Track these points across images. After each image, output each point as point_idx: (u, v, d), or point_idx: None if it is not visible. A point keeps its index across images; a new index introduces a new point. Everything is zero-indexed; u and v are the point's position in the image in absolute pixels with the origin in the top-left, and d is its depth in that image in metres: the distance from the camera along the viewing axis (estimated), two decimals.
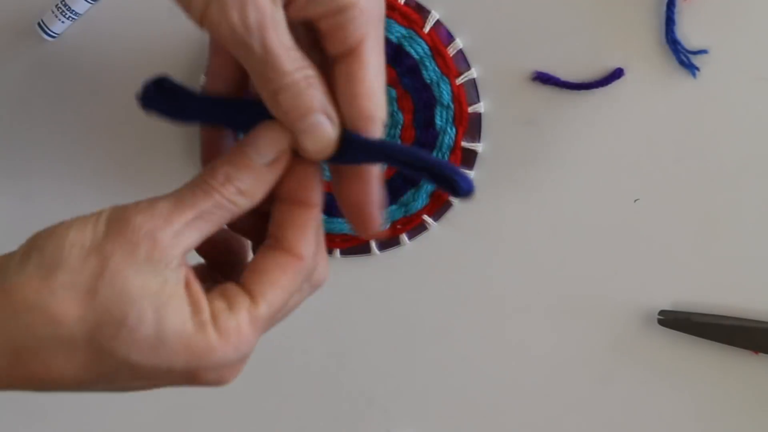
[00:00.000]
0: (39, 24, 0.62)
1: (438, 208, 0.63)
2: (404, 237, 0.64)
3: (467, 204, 0.63)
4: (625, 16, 0.60)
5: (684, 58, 0.60)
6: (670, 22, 0.59)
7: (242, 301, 0.41)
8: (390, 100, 0.62)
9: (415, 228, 0.63)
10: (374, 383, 0.66)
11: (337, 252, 0.64)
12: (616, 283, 0.63)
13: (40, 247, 0.40)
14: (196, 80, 0.62)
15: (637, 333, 0.63)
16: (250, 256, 0.46)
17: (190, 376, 0.41)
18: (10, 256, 0.41)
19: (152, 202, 0.41)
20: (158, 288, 0.40)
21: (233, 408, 0.67)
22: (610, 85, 0.61)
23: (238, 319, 0.41)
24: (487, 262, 0.64)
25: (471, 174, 0.62)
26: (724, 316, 0.62)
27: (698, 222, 0.62)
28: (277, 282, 0.42)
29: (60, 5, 0.61)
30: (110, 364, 0.40)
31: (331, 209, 0.63)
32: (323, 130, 0.42)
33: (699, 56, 0.60)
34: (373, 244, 0.64)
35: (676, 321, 0.62)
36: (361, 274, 0.64)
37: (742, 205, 0.62)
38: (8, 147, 0.65)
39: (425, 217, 0.63)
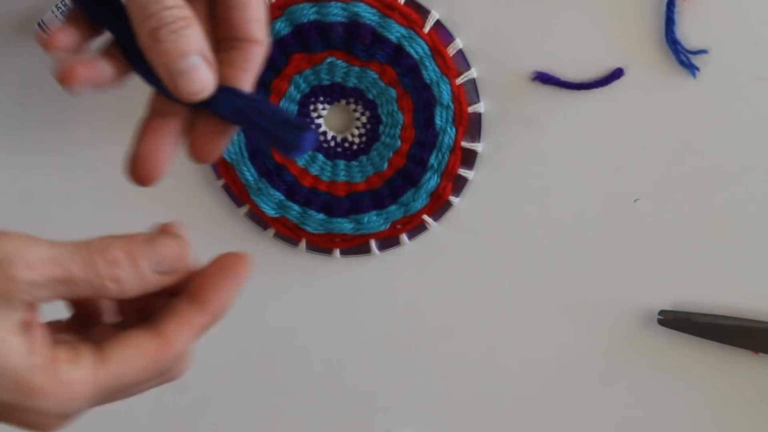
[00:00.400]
0: (39, 24, 0.62)
1: (438, 208, 0.63)
2: (404, 237, 0.64)
3: (467, 204, 0.63)
4: (625, 16, 0.60)
5: (684, 58, 0.60)
6: (670, 22, 0.59)
7: (89, 360, 0.40)
8: (390, 100, 0.62)
9: (415, 228, 0.63)
10: (374, 383, 0.66)
11: (337, 252, 0.64)
12: (616, 283, 0.63)
13: None
14: None
15: (637, 333, 0.63)
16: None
17: (7, 410, 0.39)
18: None
19: (29, 242, 0.39)
20: (6, 327, 0.38)
21: (233, 408, 0.67)
22: (610, 85, 0.61)
23: (76, 373, 0.39)
24: (487, 262, 0.64)
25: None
26: (724, 316, 0.62)
27: (698, 222, 0.62)
28: (133, 358, 0.40)
29: (60, 5, 0.61)
30: None
31: (331, 209, 0.63)
32: (201, 72, 0.42)
33: (699, 56, 0.60)
34: (373, 244, 0.64)
35: (676, 321, 0.62)
36: (361, 274, 0.64)
37: (742, 205, 0.62)
38: (8, 147, 0.65)
39: (425, 217, 0.63)
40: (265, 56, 0.44)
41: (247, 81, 0.44)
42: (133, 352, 0.40)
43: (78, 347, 0.40)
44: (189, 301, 0.41)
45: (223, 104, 0.43)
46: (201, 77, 0.42)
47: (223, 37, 0.44)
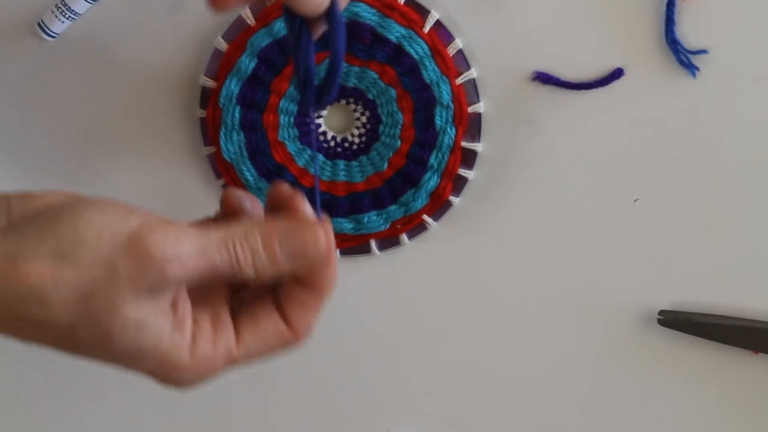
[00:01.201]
0: (39, 24, 0.62)
1: (438, 208, 0.63)
2: (404, 237, 0.64)
3: (467, 204, 0.63)
4: (625, 16, 0.60)
5: (684, 58, 0.60)
6: (670, 22, 0.59)
7: (227, 337, 0.45)
8: (390, 100, 0.62)
9: (415, 228, 0.63)
10: (374, 383, 0.66)
11: (337, 252, 0.64)
12: (616, 283, 0.63)
13: (58, 231, 0.42)
14: (195, 80, 0.62)
15: (637, 333, 0.63)
16: None
17: (154, 375, 0.44)
18: (28, 222, 0.42)
19: (181, 237, 0.42)
20: (148, 307, 0.42)
21: (233, 408, 0.67)
22: (610, 85, 0.61)
23: (216, 351, 0.44)
24: (487, 262, 0.64)
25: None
26: (724, 316, 0.62)
27: (698, 222, 0.62)
28: (266, 341, 0.45)
29: (60, 5, 0.61)
30: (86, 353, 0.43)
31: (331, 209, 0.63)
32: None
33: (699, 56, 0.60)
34: (373, 244, 0.64)
35: (676, 321, 0.62)
36: (361, 274, 0.64)
37: (742, 206, 0.62)
38: (8, 146, 0.65)
39: (425, 217, 0.63)
40: None
41: None
42: (266, 337, 0.45)
43: (218, 318, 0.45)
44: (308, 290, 0.46)
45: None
46: None
47: None
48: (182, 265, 0.42)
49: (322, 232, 0.45)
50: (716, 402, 0.64)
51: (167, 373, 0.44)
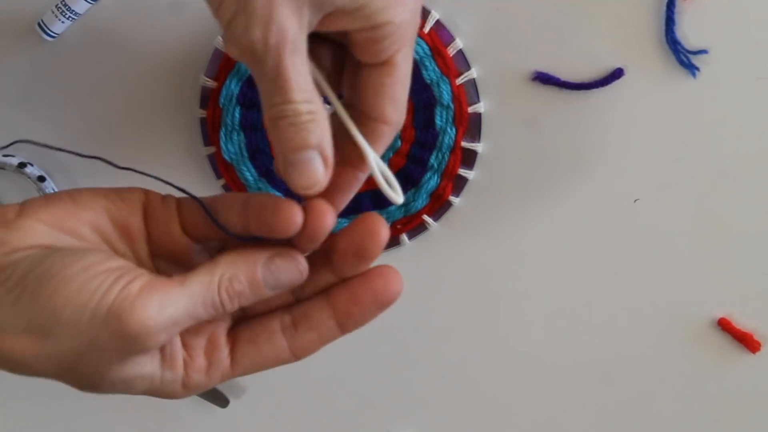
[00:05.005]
0: (39, 24, 0.62)
1: (438, 208, 0.63)
2: (404, 237, 0.64)
3: (467, 204, 0.63)
4: (625, 16, 0.60)
5: (684, 58, 0.60)
6: (670, 22, 0.59)
7: (221, 367, 0.44)
8: None
9: (415, 228, 0.63)
10: (374, 383, 0.66)
11: None
12: (616, 283, 0.63)
13: (38, 307, 0.40)
14: (195, 80, 0.62)
15: (637, 332, 0.64)
16: None
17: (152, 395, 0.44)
18: (7, 290, 0.41)
19: (162, 305, 0.40)
20: (133, 364, 0.42)
21: (233, 408, 0.67)
22: (610, 85, 0.61)
23: (210, 381, 0.44)
24: (487, 262, 0.64)
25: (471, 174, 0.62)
26: None
27: (698, 222, 0.62)
28: (263, 364, 0.45)
29: (60, 5, 0.61)
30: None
31: None
32: (313, 167, 0.42)
33: (699, 56, 0.60)
34: None
35: None
36: None
37: (742, 206, 0.62)
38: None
39: (425, 217, 0.63)
40: (394, 136, 0.44)
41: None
42: (264, 361, 0.45)
43: (211, 352, 0.44)
44: (330, 315, 0.45)
45: None
46: (313, 173, 0.42)
47: (355, 106, 0.44)
48: (167, 332, 0.41)
49: (303, 264, 0.44)
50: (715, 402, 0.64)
51: (162, 396, 0.44)
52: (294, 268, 0.43)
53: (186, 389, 0.44)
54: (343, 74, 0.46)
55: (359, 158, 0.44)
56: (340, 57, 0.45)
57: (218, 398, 0.66)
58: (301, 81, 0.40)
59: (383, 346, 0.65)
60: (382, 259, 0.64)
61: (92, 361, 0.40)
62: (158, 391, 0.43)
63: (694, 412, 0.64)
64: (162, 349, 0.43)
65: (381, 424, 0.66)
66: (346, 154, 0.44)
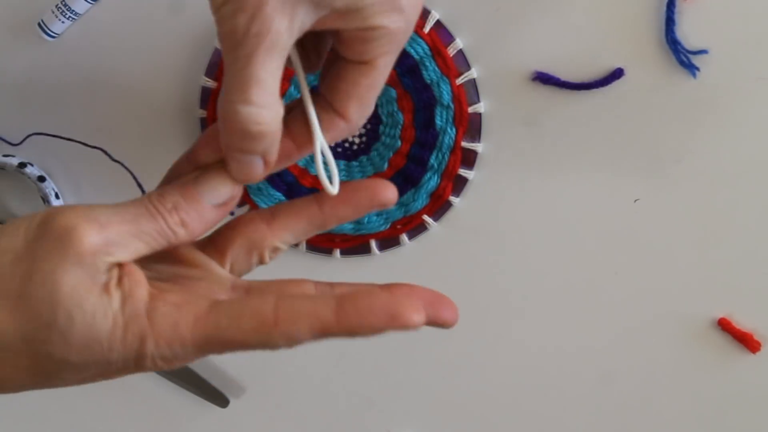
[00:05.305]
0: (39, 24, 0.62)
1: (438, 208, 0.63)
2: (404, 237, 0.64)
3: (467, 204, 0.63)
4: (625, 16, 0.60)
5: (684, 58, 0.60)
6: (670, 22, 0.59)
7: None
8: (390, 100, 0.62)
9: (415, 228, 0.63)
10: (374, 383, 0.66)
11: (337, 252, 0.64)
12: (616, 283, 0.63)
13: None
14: (196, 80, 0.62)
15: (637, 332, 0.64)
16: None
17: (135, 364, 0.40)
18: None
19: (91, 206, 0.40)
20: (88, 287, 0.39)
21: (233, 407, 0.67)
22: (610, 85, 0.61)
23: (180, 313, 0.40)
24: (487, 262, 0.64)
25: (471, 174, 0.62)
26: None
27: (698, 222, 0.62)
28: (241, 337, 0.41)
29: (60, 5, 0.61)
30: (51, 365, 0.40)
31: None
32: (253, 168, 0.42)
33: (699, 56, 0.60)
34: (374, 245, 0.64)
35: None
36: (361, 274, 0.64)
37: (742, 206, 0.62)
38: (8, 146, 0.65)
39: (425, 217, 0.63)
40: (347, 135, 0.44)
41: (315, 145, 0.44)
42: (245, 327, 0.40)
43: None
44: (330, 309, 0.43)
45: None
46: (251, 172, 0.42)
47: (322, 93, 0.44)
48: (101, 228, 0.39)
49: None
50: (715, 402, 0.64)
51: (136, 349, 0.40)
52: (226, 178, 0.43)
53: (153, 325, 0.39)
54: (320, 55, 0.46)
55: (307, 141, 0.44)
56: (324, 39, 0.45)
57: (218, 398, 0.66)
58: (269, 80, 0.40)
59: (383, 346, 0.65)
60: (383, 258, 0.65)
61: (46, 276, 0.38)
62: (126, 331, 0.39)
63: (694, 412, 0.64)
64: (120, 284, 0.40)
65: (381, 424, 0.66)
66: (297, 130, 0.44)
